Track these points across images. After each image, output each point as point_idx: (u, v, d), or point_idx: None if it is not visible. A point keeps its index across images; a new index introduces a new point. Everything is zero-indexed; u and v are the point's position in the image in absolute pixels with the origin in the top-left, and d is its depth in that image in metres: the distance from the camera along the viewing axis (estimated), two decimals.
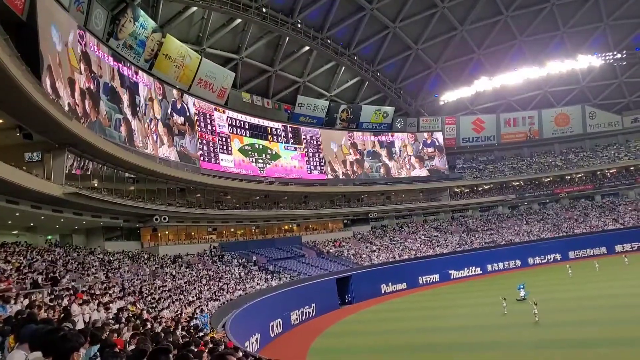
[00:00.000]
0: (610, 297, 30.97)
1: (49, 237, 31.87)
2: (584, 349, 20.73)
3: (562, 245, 58.11)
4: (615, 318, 25.30)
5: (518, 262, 56.85)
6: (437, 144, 68.90)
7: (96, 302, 17.05)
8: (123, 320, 14.09)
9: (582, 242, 58.53)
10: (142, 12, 37.44)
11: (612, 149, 70.94)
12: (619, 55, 64.64)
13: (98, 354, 5.29)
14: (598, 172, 69.01)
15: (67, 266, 25.43)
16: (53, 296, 16.60)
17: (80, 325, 11.51)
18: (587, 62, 63.90)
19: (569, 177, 69.34)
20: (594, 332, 23.13)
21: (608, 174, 68.97)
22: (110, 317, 14.32)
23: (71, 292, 18.57)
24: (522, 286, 35.36)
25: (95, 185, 30.58)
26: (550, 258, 57.51)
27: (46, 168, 25.27)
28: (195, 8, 42.40)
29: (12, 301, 12.77)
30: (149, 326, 14.23)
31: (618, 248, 56.51)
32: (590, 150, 72.05)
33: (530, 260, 57.23)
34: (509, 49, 65.12)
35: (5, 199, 22.17)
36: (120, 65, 35.88)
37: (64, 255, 27.78)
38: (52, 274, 21.60)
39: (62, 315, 10.66)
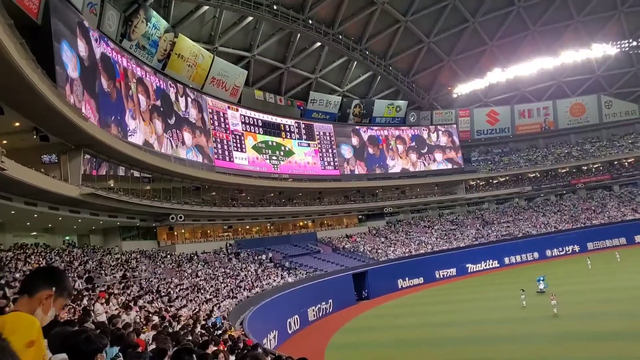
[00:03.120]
0: (631, 289, 30.45)
1: (67, 237, 32.24)
2: (603, 341, 20.45)
3: (580, 237, 57.25)
4: (636, 310, 24.91)
5: (536, 255, 56.23)
6: (452, 136, 68.38)
7: (117, 300, 17.20)
8: (142, 319, 14.18)
9: (600, 233, 57.57)
10: (154, 13, 37.63)
11: (630, 138, 69.65)
12: (634, 43, 63.50)
13: (120, 354, 5.30)
14: (615, 162, 67.88)
15: (86, 266, 25.72)
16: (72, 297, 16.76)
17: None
18: (602, 50, 62.83)
19: (585, 168, 68.36)
20: (613, 324, 22.83)
21: (626, 163, 67.82)
22: (135, 318, 14.42)
23: (90, 292, 18.75)
24: (541, 278, 35.01)
25: (112, 185, 30.86)
26: (569, 250, 56.70)
27: (63, 169, 25.58)
28: (206, 7, 42.49)
29: None
30: (168, 325, 14.33)
31: (638, 239, 55.37)
32: (607, 140, 70.89)
33: (548, 253, 56.52)
34: (522, 39, 64.29)
35: (24, 201, 22.47)
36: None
37: (82, 255, 28.09)
38: (88, 274, 21.92)
39: (82, 314, 10.75)
